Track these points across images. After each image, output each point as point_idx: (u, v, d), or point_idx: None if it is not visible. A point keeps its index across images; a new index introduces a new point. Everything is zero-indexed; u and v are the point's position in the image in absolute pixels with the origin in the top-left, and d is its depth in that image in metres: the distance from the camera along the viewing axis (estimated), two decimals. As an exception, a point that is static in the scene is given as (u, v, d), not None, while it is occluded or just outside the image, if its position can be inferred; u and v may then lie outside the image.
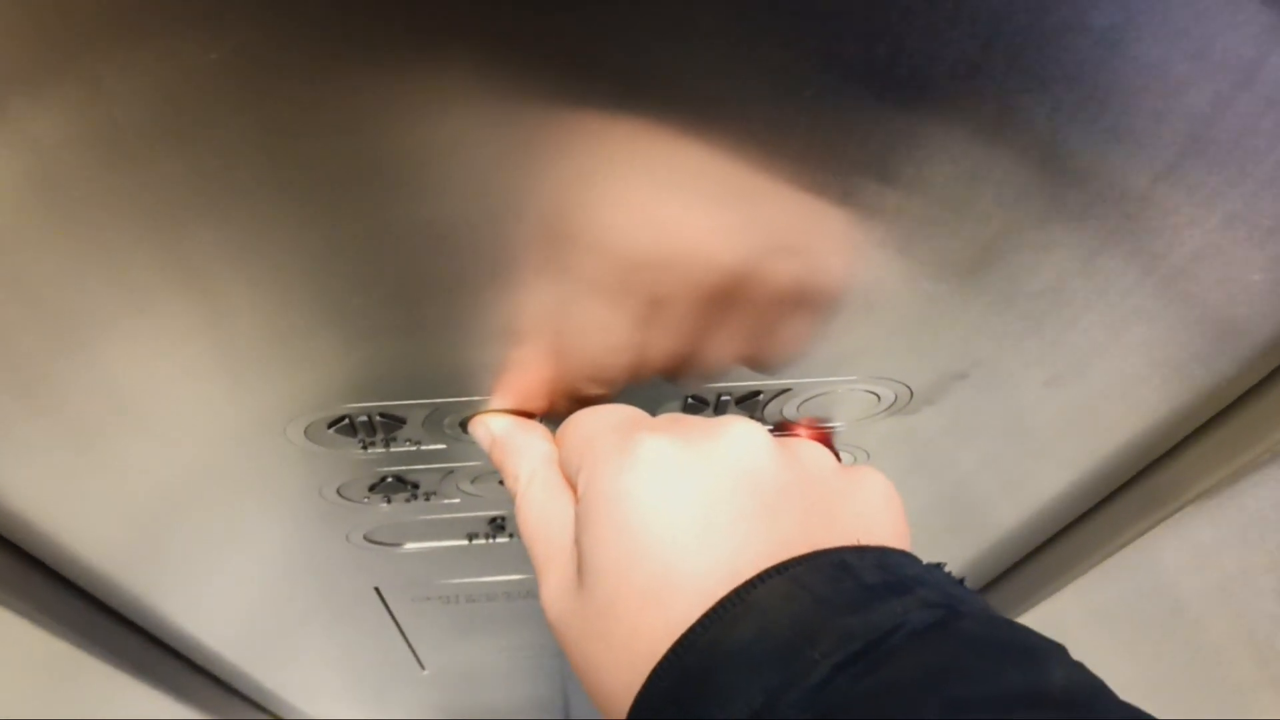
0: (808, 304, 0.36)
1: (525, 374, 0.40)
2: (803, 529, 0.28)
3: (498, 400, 0.41)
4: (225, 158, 0.27)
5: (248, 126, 0.26)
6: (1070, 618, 0.66)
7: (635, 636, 0.27)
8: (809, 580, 0.26)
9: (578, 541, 0.30)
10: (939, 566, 0.29)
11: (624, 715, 0.26)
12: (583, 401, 0.40)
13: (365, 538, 0.54)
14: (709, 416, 0.44)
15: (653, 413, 0.42)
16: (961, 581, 0.28)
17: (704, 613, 0.25)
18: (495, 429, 0.40)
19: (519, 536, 0.36)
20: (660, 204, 0.30)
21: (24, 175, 0.27)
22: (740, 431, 0.30)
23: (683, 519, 0.28)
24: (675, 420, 0.33)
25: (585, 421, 0.35)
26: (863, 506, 0.31)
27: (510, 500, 0.51)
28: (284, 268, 0.32)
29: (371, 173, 0.28)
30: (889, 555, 0.28)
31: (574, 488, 0.33)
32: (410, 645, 0.76)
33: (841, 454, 0.47)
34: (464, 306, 0.35)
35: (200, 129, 0.26)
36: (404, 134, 0.27)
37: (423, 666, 0.83)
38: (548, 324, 0.36)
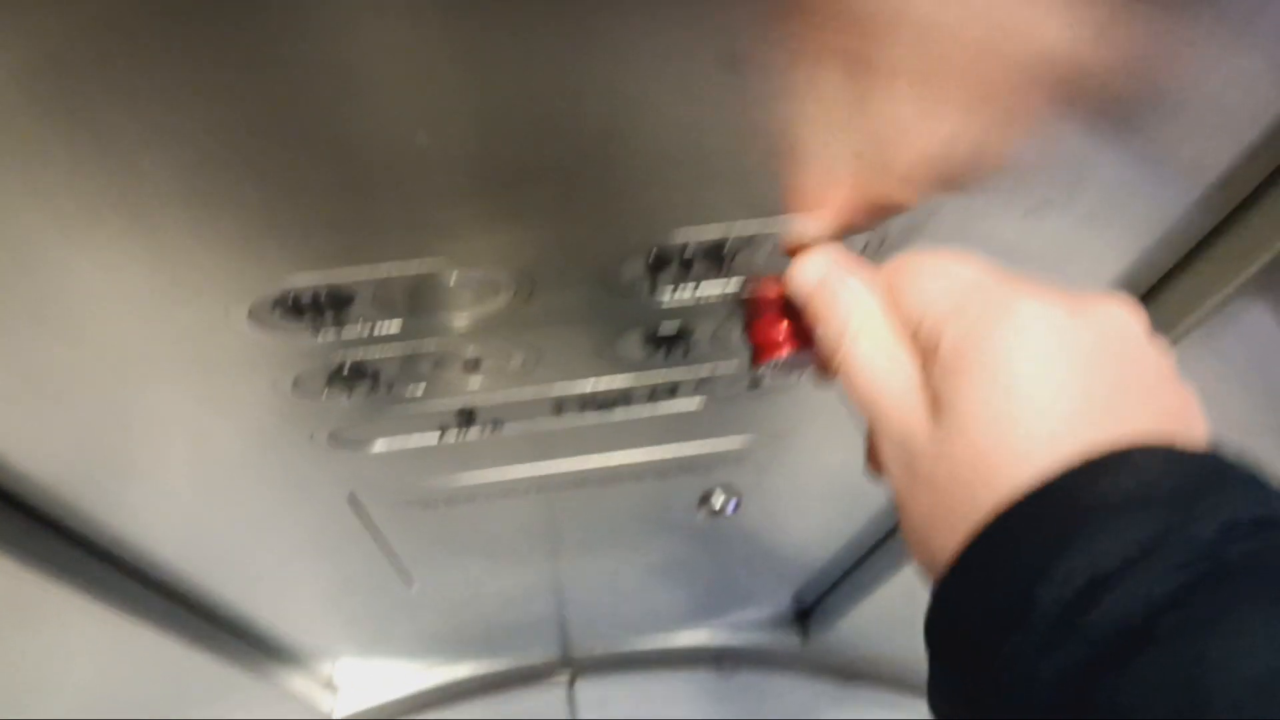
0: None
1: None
2: (1176, 415, 0.29)
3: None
4: None
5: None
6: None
7: (998, 476, 0.27)
8: (1190, 457, 0.26)
9: (940, 392, 0.30)
10: None
11: (954, 554, 0.28)
12: None
13: (330, 438, 0.52)
14: (676, 272, 0.42)
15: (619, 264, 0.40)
16: None
17: (1084, 461, 0.26)
18: (817, 272, 0.38)
19: (847, 390, 0.34)
20: None
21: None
22: (1119, 306, 0.31)
23: (1066, 381, 0.28)
24: (1044, 287, 0.32)
25: (939, 280, 0.33)
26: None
27: (476, 390, 0.50)
28: (189, 110, 0.30)
29: None
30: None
31: (914, 340, 0.33)
32: (393, 558, 0.74)
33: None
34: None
35: None
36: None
37: (410, 583, 0.82)
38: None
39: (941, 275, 0.33)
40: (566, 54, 0.30)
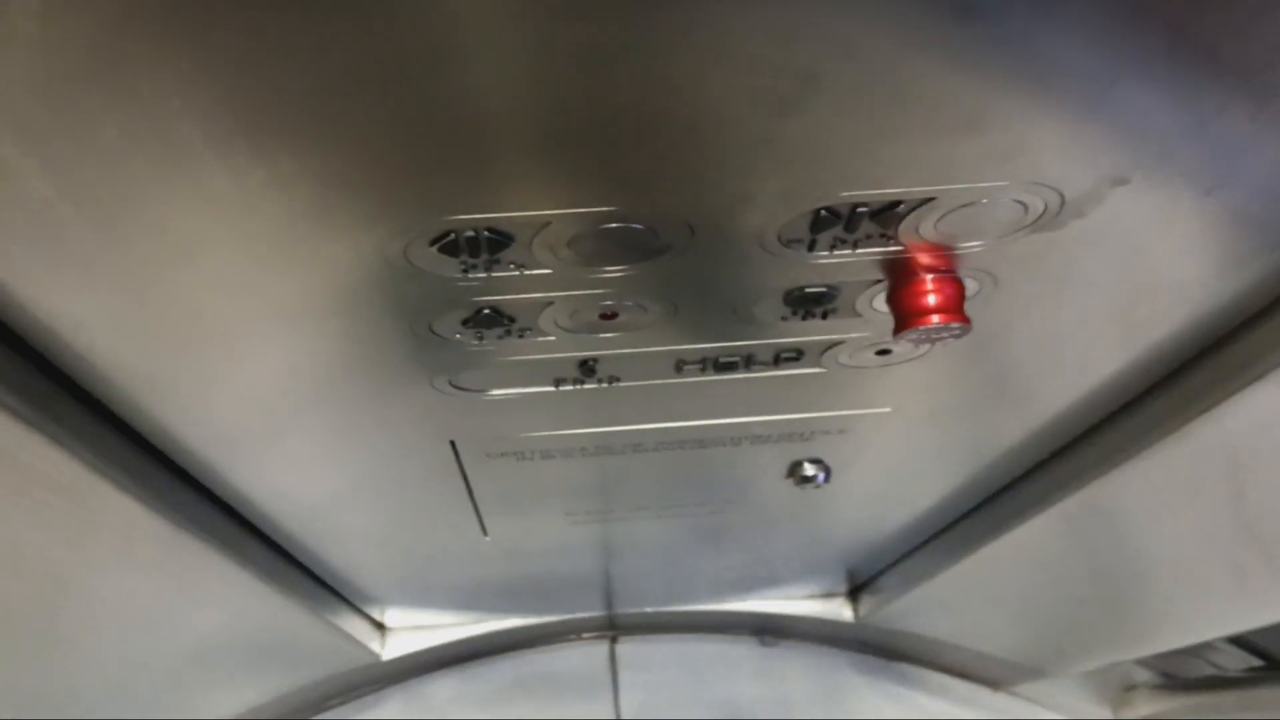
0: None
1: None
2: None
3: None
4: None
5: None
6: (1157, 473, 0.64)
7: None
8: None
9: None
10: None
11: None
12: None
13: (450, 383, 0.52)
14: (841, 232, 0.40)
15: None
16: None
17: None
18: None
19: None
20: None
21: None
22: None
23: None
24: None
25: None
26: None
27: (604, 342, 0.49)
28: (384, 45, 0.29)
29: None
30: None
31: None
32: (476, 507, 0.74)
33: (968, 281, 0.44)
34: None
35: None
36: None
37: (485, 532, 0.82)
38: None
39: None
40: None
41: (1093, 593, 0.95)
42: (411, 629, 1.23)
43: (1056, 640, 1.09)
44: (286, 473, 0.66)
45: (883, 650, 1.29)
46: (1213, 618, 0.90)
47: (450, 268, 0.40)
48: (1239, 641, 1.12)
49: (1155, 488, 0.68)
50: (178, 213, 0.36)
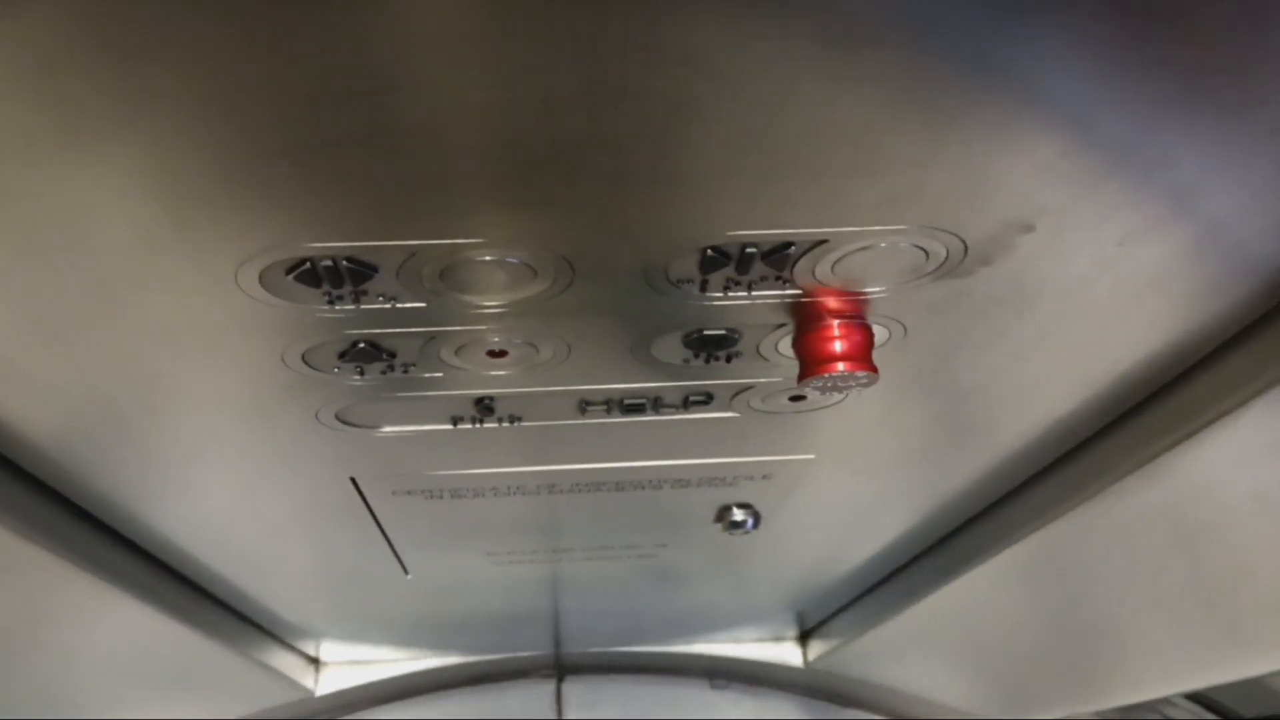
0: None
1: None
2: None
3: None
4: None
5: None
6: (1105, 524, 0.61)
7: None
8: None
9: None
10: None
11: None
12: None
13: (337, 417, 0.49)
14: (733, 273, 0.38)
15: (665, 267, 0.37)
16: None
17: None
18: None
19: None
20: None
21: None
22: None
23: None
24: None
25: None
26: None
27: (498, 380, 0.46)
28: (224, 67, 0.26)
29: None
30: None
31: None
32: (392, 545, 0.71)
33: (876, 329, 0.42)
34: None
35: None
36: None
37: (406, 571, 0.78)
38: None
39: None
40: (640, 18, 0.26)
41: (1042, 643, 0.92)
42: (347, 664, 1.19)
43: (1006, 691, 1.06)
44: (190, 506, 0.63)
45: (833, 696, 1.26)
46: (1165, 673, 0.88)
47: (312, 298, 0.38)
48: (1197, 698, 1.09)
49: (1099, 540, 0.66)
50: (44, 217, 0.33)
